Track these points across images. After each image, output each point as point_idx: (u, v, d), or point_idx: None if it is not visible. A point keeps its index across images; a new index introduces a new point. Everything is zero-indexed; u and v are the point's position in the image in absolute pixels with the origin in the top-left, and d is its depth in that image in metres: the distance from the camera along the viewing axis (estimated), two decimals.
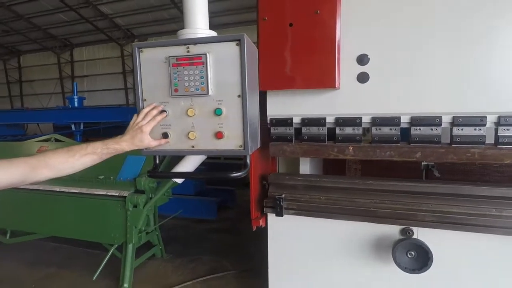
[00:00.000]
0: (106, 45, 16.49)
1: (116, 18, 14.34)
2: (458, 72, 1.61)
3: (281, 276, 2.14)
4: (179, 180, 2.80)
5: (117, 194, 2.99)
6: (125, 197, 2.94)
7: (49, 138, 4.03)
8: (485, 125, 1.61)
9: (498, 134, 1.61)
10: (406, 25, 1.66)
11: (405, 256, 1.73)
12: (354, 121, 1.80)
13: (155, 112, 1.36)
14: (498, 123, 1.60)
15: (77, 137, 7.79)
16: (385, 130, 1.76)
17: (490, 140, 1.64)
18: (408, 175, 2.07)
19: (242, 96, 1.30)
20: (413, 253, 1.72)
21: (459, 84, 1.62)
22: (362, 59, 1.73)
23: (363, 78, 1.74)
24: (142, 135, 1.33)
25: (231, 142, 1.35)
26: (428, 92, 1.66)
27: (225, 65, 1.30)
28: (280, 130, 1.94)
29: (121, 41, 15.81)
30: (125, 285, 2.97)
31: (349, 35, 1.71)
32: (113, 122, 7.76)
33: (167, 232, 4.13)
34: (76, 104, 8.68)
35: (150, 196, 3.00)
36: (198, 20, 1.46)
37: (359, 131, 1.80)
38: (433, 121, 1.67)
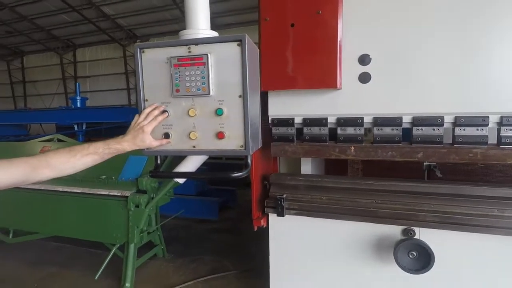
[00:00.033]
0: (108, 45, 16.56)
1: (119, 19, 14.39)
2: (460, 71, 1.61)
3: (282, 276, 2.13)
4: (181, 180, 2.81)
5: (119, 194, 3.00)
6: (127, 197, 2.95)
7: (51, 138, 4.05)
8: (487, 125, 1.61)
9: (501, 134, 1.60)
10: (407, 25, 1.65)
11: (407, 257, 1.73)
12: (355, 121, 1.79)
13: (156, 112, 1.36)
14: (500, 123, 1.59)
15: (80, 137, 7.81)
16: (387, 130, 1.75)
17: (492, 140, 1.63)
18: (410, 175, 2.06)
19: (243, 96, 1.30)
20: (414, 253, 1.71)
21: (461, 84, 1.61)
22: (364, 59, 1.72)
23: (364, 78, 1.74)
24: (144, 135, 1.33)
25: (232, 142, 1.35)
26: (430, 92, 1.66)
27: (226, 65, 1.31)
28: (282, 130, 1.94)
29: (123, 42, 15.87)
30: (127, 284, 2.97)
31: (351, 35, 1.71)
32: (115, 122, 7.79)
33: (168, 232, 4.14)
34: (78, 105, 8.70)
35: (152, 196, 3.01)
36: (200, 21, 1.46)
37: (360, 131, 1.80)
38: (435, 121, 1.67)
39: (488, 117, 1.60)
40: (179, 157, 2.35)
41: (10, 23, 14.60)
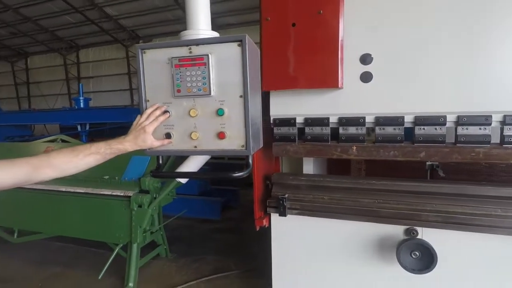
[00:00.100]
0: (111, 46, 16.65)
1: (121, 20, 14.46)
2: (463, 70, 1.59)
3: (284, 276, 2.13)
4: (183, 180, 2.82)
5: (122, 194, 3.02)
6: (130, 197, 2.97)
7: (55, 139, 4.08)
8: (490, 124, 1.59)
9: (504, 134, 1.59)
10: (409, 24, 1.64)
11: (410, 257, 1.72)
12: (357, 121, 1.79)
13: (158, 112, 1.37)
14: (503, 122, 1.58)
15: (83, 137, 7.87)
16: (389, 129, 1.75)
17: (495, 139, 1.62)
18: (412, 175, 2.05)
19: (244, 97, 1.30)
20: (417, 253, 1.71)
21: (464, 82, 1.60)
22: (365, 59, 1.72)
23: (366, 77, 1.73)
24: (145, 135, 1.34)
25: (233, 142, 1.35)
26: (432, 91, 1.65)
27: (227, 65, 1.31)
28: (283, 130, 1.93)
29: (126, 42, 15.94)
30: (130, 284, 2.99)
31: (352, 34, 1.70)
32: (118, 122, 7.82)
33: (171, 232, 4.15)
34: (82, 105, 8.76)
35: (154, 196, 3.02)
36: (200, 21, 1.46)
37: (362, 131, 1.79)
38: (438, 120, 1.66)
39: (491, 116, 1.58)
40: (182, 157, 2.35)
41: (14, 24, 14.73)
